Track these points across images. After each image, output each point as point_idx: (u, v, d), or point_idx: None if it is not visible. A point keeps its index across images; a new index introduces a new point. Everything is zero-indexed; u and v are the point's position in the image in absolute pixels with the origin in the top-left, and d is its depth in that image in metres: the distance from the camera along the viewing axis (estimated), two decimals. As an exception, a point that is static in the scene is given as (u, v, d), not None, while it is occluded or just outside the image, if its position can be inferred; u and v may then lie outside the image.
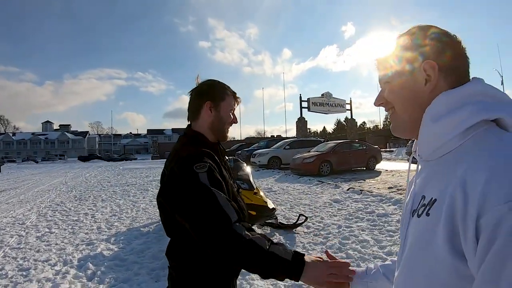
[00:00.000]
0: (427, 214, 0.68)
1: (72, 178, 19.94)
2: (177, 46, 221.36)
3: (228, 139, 1.63)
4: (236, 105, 1.59)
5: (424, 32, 0.78)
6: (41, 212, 8.76)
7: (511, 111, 0.69)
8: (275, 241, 1.20)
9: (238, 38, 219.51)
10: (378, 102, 0.87)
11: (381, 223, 5.90)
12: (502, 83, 54.69)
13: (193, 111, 1.52)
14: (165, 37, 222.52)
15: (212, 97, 1.50)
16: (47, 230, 6.76)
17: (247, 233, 1.17)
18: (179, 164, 1.31)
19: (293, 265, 1.14)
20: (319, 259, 1.19)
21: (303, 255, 1.18)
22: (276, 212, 6.25)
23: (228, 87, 1.58)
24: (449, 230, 0.61)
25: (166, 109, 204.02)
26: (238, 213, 1.23)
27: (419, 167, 0.84)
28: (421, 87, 0.76)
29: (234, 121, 1.58)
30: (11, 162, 57.09)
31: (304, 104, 31.82)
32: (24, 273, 4.41)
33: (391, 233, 5.35)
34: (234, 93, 1.58)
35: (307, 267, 1.14)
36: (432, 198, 0.69)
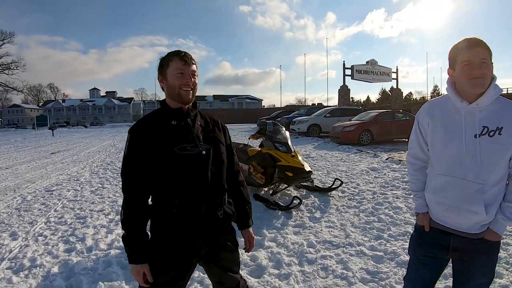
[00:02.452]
0: (500, 134, 1.52)
1: (120, 141, 21.03)
2: (217, 11, 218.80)
3: (192, 100, 1.66)
4: (184, 63, 1.59)
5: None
6: (93, 170, 9.47)
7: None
8: None
9: (280, 2, 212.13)
10: (483, 72, 1.51)
11: (417, 192, 5.87)
12: None
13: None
14: (205, 2, 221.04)
15: (159, 70, 1.66)
16: (99, 185, 7.35)
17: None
18: None
19: None
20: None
21: None
22: (312, 176, 6.40)
23: (176, 51, 1.63)
24: None
25: (207, 76, 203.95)
26: None
27: (463, 113, 1.60)
28: (491, 69, 1.57)
29: (187, 80, 1.59)
30: (62, 127, 59.31)
31: (348, 72, 30.55)
32: (81, 220, 4.92)
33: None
34: (179, 54, 1.61)
35: None
36: (498, 126, 1.52)
